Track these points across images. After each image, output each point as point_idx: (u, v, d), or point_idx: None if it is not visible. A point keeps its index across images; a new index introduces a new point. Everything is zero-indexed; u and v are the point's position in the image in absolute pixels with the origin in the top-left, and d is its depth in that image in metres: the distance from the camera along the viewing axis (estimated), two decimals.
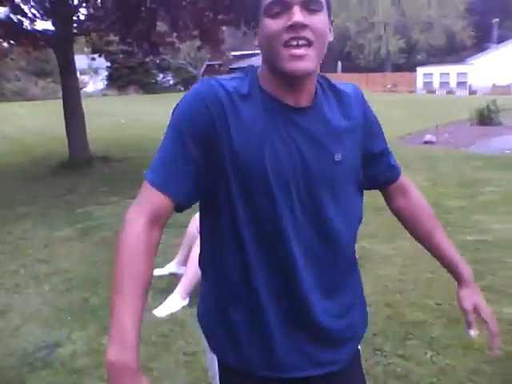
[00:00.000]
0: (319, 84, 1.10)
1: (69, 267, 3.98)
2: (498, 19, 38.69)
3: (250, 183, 0.98)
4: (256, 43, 1.04)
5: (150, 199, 0.99)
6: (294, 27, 0.94)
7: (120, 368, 0.82)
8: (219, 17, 8.37)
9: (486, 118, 10.18)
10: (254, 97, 1.02)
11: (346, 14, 43.81)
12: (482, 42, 40.07)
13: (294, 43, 0.95)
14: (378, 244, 3.97)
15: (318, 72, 1.08)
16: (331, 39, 1.05)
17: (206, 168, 0.99)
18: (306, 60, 0.96)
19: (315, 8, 0.98)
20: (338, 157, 1.05)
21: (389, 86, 34.12)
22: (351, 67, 42.90)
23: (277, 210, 0.99)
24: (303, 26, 0.95)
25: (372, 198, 5.87)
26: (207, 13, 8.23)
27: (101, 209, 5.62)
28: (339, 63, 41.41)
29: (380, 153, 1.17)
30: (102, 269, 3.89)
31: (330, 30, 1.04)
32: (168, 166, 0.98)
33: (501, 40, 36.05)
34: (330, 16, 1.04)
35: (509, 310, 2.84)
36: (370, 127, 1.14)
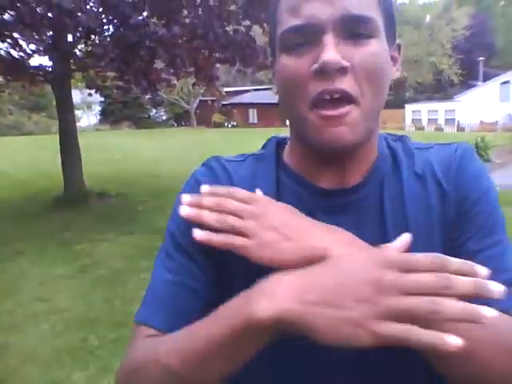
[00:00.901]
0: (390, 150, 0.72)
1: (66, 306, 3.93)
2: (483, 58, 39.84)
3: None
4: (275, 91, 0.76)
5: None
6: (325, 72, 0.58)
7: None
8: (214, 55, 8.55)
9: None
10: (269, 184, 0.70)
11: None
12: (468, 79, 41.13)
13: (327, 98, 0.60)
14: None
15: (381, 132, 0.73)
16: (397, 76, 0.70)
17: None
18: (343, 124, 0.60)
19: (364, 32, 0.61)
20: None
21: None
22: None
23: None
24: (342, 70, 0.59)
25: None
26: (203, 51, 8.41)
27: (97, 246, 5.57)
28: None
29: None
30: (99, 307, 3.86)
31: (393, 62, 0.69)
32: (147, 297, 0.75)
33: (486, 78, 37.07)
34: (392, 39, 0.67)
35: None
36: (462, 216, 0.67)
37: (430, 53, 44.14)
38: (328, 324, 0.47)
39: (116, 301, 3.92)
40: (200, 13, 7.97)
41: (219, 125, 36.63)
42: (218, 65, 9.43)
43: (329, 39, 0.59)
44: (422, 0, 46.29)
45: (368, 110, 0.61)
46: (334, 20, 0.59)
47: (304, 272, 0.53)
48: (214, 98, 35.62)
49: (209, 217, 0.64)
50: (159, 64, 8.48)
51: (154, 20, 6.90)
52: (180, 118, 40.12)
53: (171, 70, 8.42)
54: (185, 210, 0.66)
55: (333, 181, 0.68)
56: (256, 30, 8.84)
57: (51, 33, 7.09)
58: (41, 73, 7.92)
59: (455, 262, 0.48)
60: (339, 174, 0.68)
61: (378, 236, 0.65)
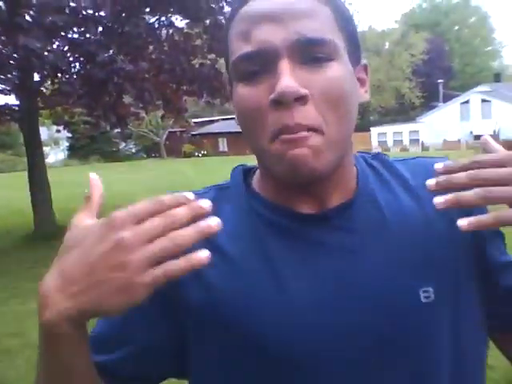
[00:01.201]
0: (371, 168, 0.69)
1: None
2: (442, 80, 41.40)
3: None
4: (236, 122, 0.66)
5: None
6: (283, 102, 0.54)
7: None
8: (182, 88, 8.77)
9: None
10: (240, 213, 0.65)
11: None
12: (429, 101, 42.58)
13: (287, 134, 0.56)
14: None
15: (355, 151, 0.68)
16: (366, 98, 0.67)
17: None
18: (309, 147, 0.56)
19: (322, 56, 0.57)
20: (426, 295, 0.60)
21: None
22: None
23: None
24: (301, 99, 0.55)
25: None
26: (170, 84, 8.62)
27: None
28: None
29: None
30: None
31: (360, 84, 0.65)
32: None
33: (446, 99, 38.46)
34: (357, 59, 0.63)
35: None
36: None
37: (391, 78, 45.58)
38: (104, 302, 0.48)
39: (90, 330, 3.94)
40: (166, 48, 8.21)
41: (189, 154, 36.76)
42: (185, 97, 9.65)
43: (284, 66, 0.55)
44: (381, 27, 47.95)
45: (335, 138, 0.57)
46: (289, 44, 0.55)
47: (58, 264, 0.52)
48: (184, 129, 35.89)
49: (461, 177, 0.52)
50: (127, 98, 8.64)
51: (121, 57, 7.06)
52: (150, 150, 40.10)
53: (140, 104, 8.58)
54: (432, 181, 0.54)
55: (312, 207, 0.63)
56: (222, 63, 9.13)
57: (17, 72, 7.18)
58: (7, 111, 7.95)
59: (167, 197, 0.49)
60: (318, 200, 0.63)
61: (382, 253, 0.61)
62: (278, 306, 0.59)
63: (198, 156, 36.43)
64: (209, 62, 8.62)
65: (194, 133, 39.03)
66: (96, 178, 0.59)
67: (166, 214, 0.47)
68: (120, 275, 0.47)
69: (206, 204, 0.47)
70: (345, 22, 0.61)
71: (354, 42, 0.62)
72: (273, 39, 0.56)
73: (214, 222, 0.47)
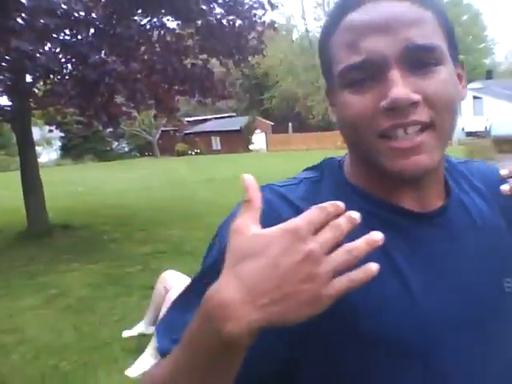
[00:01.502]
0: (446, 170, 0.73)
1: (35, 335, 4.01)
2: None
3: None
4: (333, 118, 0.70)
5: None
6: (395, 109, 0.58)
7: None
8: (174, 88, 8.84)
9: None
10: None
11: (292, 78, 46.12)
12: None
13: (399, 133, 0.60)
14: None
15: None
16: (464, 94, 0.69)
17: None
18: (423, 152, 0.60)
19: (431, 61, 0.60)
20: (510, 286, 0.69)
21: (339, 143, 35.57)
22: (301, 127, 44.58)
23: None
24: (413, 105, 0.58)
25: None
26: (162, 84, 8.69)
27: (63, 276, 5.66)
28: (290, 124, 43.02)
29: None
30: (69, 335, 3.96)
31: (459, 81, 0.67)
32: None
33: None
34: (456, 57, 0.66)
35: None
36: None
37: None
38: (291, 314, 0.48)
39: (85, 327, 4.05)
40: (158, 49, 8.28)
41: (183, 153, 36.75)
42: (177, 97, 9.72)
43: (395, 74, 0.58)
44: None
45: (444, 135, 0.62)
46: (398, 53, 0.58)
47: (236, 274, 0.49)
48: (176, 128, 35.88)
49: None
50: (119, 98, 8.70)
51: (113, 58, 7.13)
52: (143, 149, 40.03)
53: (132, 104, 8.64)
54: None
55: (413, 204, 0.67)
56: (213, 63, 9.21)
57: (10, 74, 7.24)
58: (0, 112, 8.01)
59: (325, 205, 0.49)
60: (420, 197, 0.67)
61: (476, 258, 0.68)
62: (404, 304, 0.63)
63: (192, 154, 36.42)
64: (200, 62, 8.70)
65: (187, 131, 39.00)
66: (251, 179, 0.53)
67: (333, 225, 0.48)
68: (309, 287, 0.47)
69: (356, 215, 0.48)
70: (445, 24, 0.63)
71: (453, 42, 0.65)
72: (381, 49, 0.58)
73: (378, 236, 0.48)
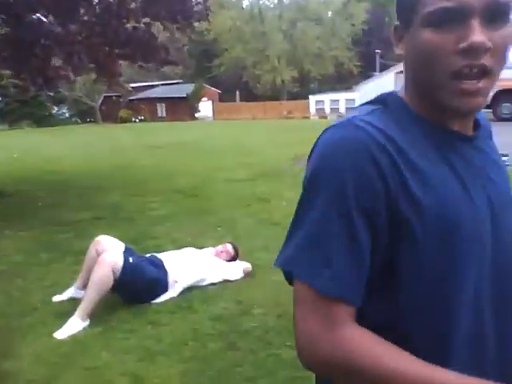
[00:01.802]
0: None
1: None
2: (379, 50, 42.27)
3: (448, 241, 0.74)
4: (399, 52, 0.82)
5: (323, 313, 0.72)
6: (471, 51, 0.70)
7: None
8: (115, 51, 8.51)
9: None
10: (414, 133, 0.78)
11: (241, 46, 45.51)
12: (367, 71, 43.45)
13: (467, 72, 0.72)
14: (270, 254, 4.31)
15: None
16: None
17: (379, 247, 0.74)
18: (481, 95, 0.74)
19: (504, 18, 0.72)
20: None
21: (285, 113, 35.72)
22: (249, 96, 44.35)
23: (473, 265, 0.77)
24: (485, 50, 0.71)
25: (267, 214, 6.30)
26: (103, 47, 8.34)
27: None
28: (237, 92, 42.66)
29: None
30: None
31: None
32: (336, 263, 0.71)
33: (383, 69, 39.41)
34: None
35: None
36: None
37: (331, 47, 45.99)
38: None
39: (15, 293, 3.93)
40: (98, 11, 7.90)
41: (126, 120, 35.79)
42: (120, 61, 9.39)
43: (477, 22, 0.70)
44: None
45: (495, 81, 0.75)
46: (483, 5, 0.70)
47: None
48: (120, 94, 34.76)
49: None
50: (57, 61, 8.31)
51: (50, 18, 6.76)
52: (85, 115, 38.61)
53: (69, 67, 8.28)
54: None
55: (460, 130, 0.81)
56: (160, 27, 8.89)
57: None
58: None
59: None
60: (464, 125, 0.82)
61: (498, 171, 0.87)
62: (466, 201, 0.77)
63: (135, 122, 35.56)
64: (143, 25, 8.39)
65: (131, 98, 37.91)
66: None
67: None
68: None
69: None
70: None
71: None
72: (472, 0, 0.70)
73: None
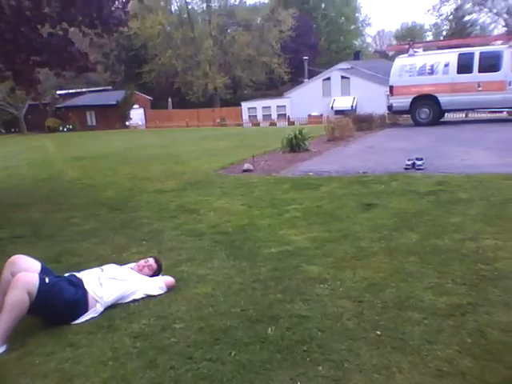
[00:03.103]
0: None
1: None
2: (307, 57, 43.35)
3: None
4: None
5: None
6: None
7: None
8: (32, 58, 8.20)
9: (294, 146, 11.48)
10: None
11: (172, 51, 45.12)
12: (296, 77, 44.43)
13: None
14: (195, 266, 4.32)
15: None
16: None
17: None
18: None
19: None
20: None
21: (218, 121, 35.80)
22: (182, 103, 44.07)
23: None
24: None
25: (194, 225, 6.31)
26: (18, 54, 8.01)
27: None
28: (169, 99, 42.25)
29: None
30: None
31: None
32: None
33: (312, 75, 40.47)
34: None
35: (298, 307, 3.36)
36: None
37: (261, 53, 46.64)
38: None
39: None
40: (8, 13, 7.56)
41: (54, 129, 34.49)
42: (38, 69, 9.05)
43: None
44: (251, 1, 48.55)
45: None
46: None
47: None
48: (47, 102, 33.44)
49: None
50: None
51: None
52: (9, 125, 36.81)
53: None
54: None
55: None
56: (73, 32, 8.63)
57: None
58: None
59: None
60: None
61: None
62: None
63: (63, 131, 34.34)
64: (60, 32, 8.14)
65: (58, 106, 36.63)
66: None
67: None
68: None
69: None
70: None
71: None
72: None
73: None
